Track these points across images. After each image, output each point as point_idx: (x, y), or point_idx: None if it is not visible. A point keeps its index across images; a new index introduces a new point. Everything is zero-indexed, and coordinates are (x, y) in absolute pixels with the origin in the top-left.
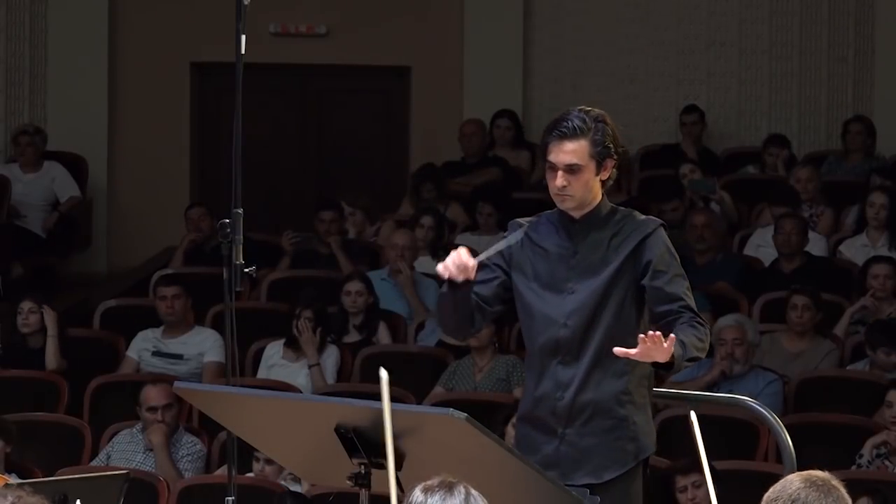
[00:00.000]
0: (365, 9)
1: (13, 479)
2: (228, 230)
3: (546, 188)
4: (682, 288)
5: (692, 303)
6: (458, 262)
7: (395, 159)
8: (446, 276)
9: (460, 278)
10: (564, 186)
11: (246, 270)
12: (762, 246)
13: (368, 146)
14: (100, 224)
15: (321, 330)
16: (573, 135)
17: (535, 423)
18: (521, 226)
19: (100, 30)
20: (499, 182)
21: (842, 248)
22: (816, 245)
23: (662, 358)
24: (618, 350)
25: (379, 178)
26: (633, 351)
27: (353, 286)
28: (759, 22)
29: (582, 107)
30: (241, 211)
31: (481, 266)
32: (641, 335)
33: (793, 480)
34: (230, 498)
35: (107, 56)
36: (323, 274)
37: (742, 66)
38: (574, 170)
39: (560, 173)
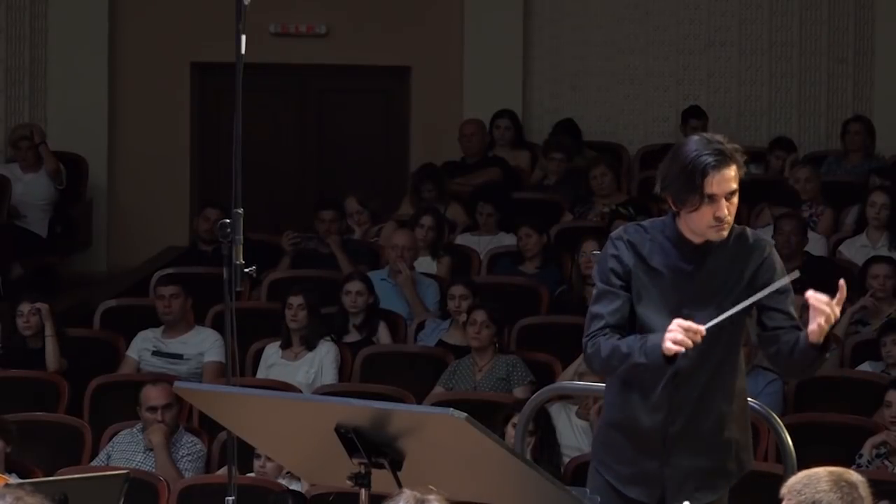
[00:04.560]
0: (364, 9)
1: (13, 479)
2: (228, 230)
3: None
4: (793, 307)
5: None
6: (690, 331)
7: (395, 159)
8: (672, 352)
9: (690, 344)
10: (728, 216)
11: (246, 270)
12: None
13: (368, 146)
14: (100, 224)
15: (309, 314)
16: (731, 159)
17: (635, 438)
18: (625, 240)
19: (100, 30)
20: (499, 182)
21: (842, 248)
22: (816, 245)
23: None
24: (812, 335)
25: (379, 178)
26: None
27: (353, 286)
28: (759, 22)
29: (702, 133)
30: (241, 211)
31: (608, 294)
32: (820, 301)
33: (821, 477)
34: (230, 498)
35: (107, 56)
36: (323, 274)
37: (742, 66)
38: (733, 195)
39: (723, 202)
